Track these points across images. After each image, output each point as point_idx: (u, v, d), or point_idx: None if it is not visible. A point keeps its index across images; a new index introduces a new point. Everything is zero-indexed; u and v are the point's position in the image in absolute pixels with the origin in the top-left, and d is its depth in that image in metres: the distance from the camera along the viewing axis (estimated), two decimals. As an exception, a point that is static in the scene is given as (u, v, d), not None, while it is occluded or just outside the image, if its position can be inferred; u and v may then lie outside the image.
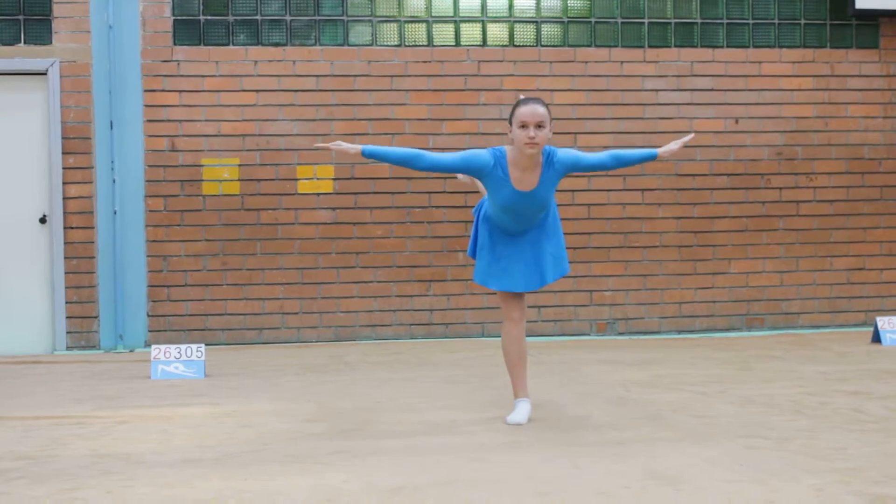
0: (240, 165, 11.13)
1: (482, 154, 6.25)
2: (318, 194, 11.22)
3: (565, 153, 6.31)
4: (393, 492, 4.78)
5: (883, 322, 10.55)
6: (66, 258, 10.87)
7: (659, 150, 6.47)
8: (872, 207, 11.96)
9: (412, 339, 11.29)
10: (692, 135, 7.00)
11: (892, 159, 11.97)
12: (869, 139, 11.94)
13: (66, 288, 10.87)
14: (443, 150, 11.25)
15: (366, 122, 11.25)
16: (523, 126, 6.13)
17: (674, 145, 6.54)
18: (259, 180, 11.14)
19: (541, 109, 6.16)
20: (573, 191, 11.40)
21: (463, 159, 6.25)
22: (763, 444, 5.77)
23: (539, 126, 6.13)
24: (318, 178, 11.20)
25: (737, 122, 11.75)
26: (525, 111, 6.14)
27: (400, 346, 10.77)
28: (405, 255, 11.33)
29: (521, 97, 6.32)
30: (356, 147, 6.17)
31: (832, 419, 6.45)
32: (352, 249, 11.26)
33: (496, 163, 6.23)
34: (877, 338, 10.48)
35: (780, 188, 11.82)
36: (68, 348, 10.88)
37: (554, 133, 11.39)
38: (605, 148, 11.47)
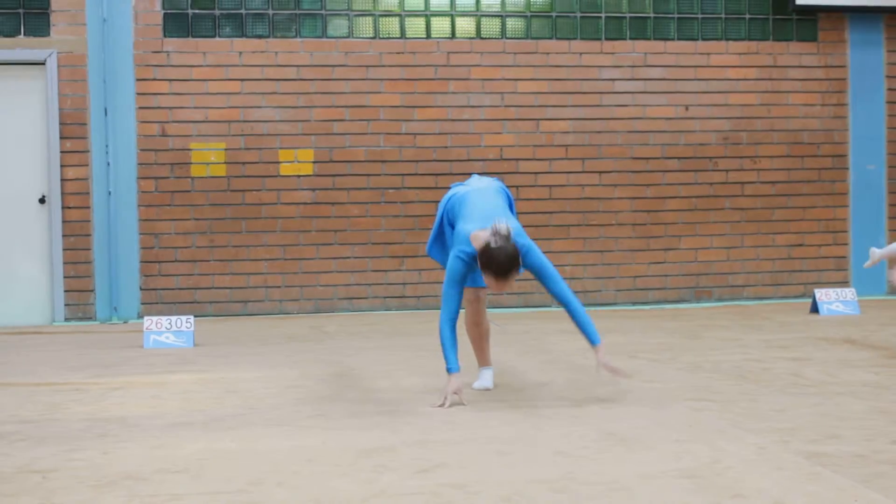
0: (226, 149, 11.09)
1: (458, 266, 5.89)
2: (299, 176, 11.19)
3: (536, 259, 5.93)
4: (368, 452, 4.79)
5: (821, 294, 10.62)
6: (64, 236, 10.82)
7: (598, 354, 5.94)
8: (811, 188, 12.02)
9: (387, 310, 11.29)
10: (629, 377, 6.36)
11: (829, 144, 12.02)
12: (808, 125, 11.99)
13: (65, 263, 10.82)
14: (414, 135, 11.27)
15: (343, 109, 11.22)
16: (491, 282, 5.78)
17: (612, 364, 5.98)
18: (244, 163, 11.11)
19: (510, 283, 5.83)
20: (535, 173, 11.41)
21: (457, 282, 5.94)
22: (709, 406, 5.80)
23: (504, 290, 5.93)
24: (298, 161, 11.17)
25: (686, 109, 11.77)
26: (491, 283, 5.78)
27: (375, 318, 10.77)
28: (380, 233, 11.32)
29: (495, 250, 5.69)
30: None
31: (773, 383, 6.49)
32: (330, 227, 11.24)
33: (470, 263, 5.87)
34: (815, 308, 10.55)
35: (727, 171, 11.86)
36: (66, 320, 10.83)
37: (517, 119, 11.42)
38: (566, 134, 11.50)
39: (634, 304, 11.59)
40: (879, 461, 4.49)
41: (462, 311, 6.17)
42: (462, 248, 5.89)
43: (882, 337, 8.65)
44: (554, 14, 11.58)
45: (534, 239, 11.74)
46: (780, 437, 4.96)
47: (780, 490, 4.05)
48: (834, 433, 5.04)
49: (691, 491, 4.06)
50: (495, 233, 5.71)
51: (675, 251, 11.79)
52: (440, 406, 5.84)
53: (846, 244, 12.01)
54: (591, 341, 5.96)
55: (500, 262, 5.67)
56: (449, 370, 5.94)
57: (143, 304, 10.97)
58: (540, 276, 5.98)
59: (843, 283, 11.90)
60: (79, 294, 10.87)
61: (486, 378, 6.54)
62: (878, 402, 5.79)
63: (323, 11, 11.24)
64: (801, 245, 12.02)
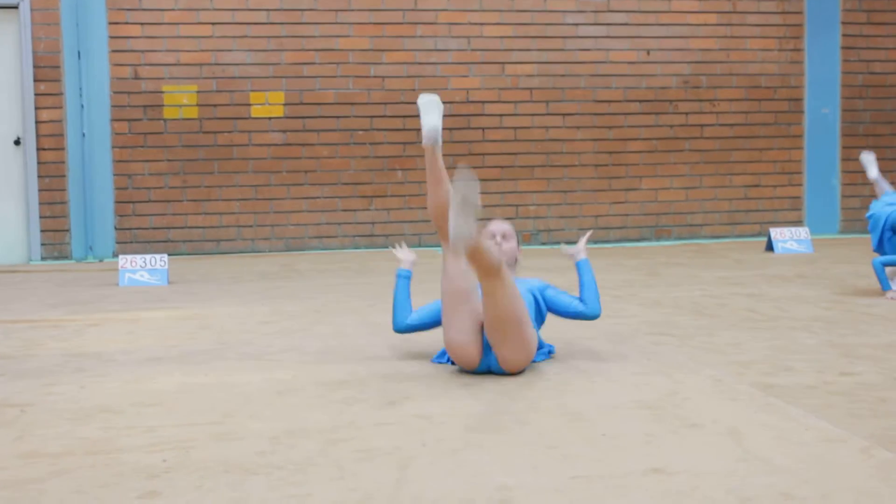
0: (198, 92, 10.99)
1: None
2: (270, 118, 11.12)
3: (550, 294, 5.34)
4: (338, 384, 4.80)
5: (776, 233, 10.68)
6: (39, 177, 10.73)
7: (575, 257, 5.43)
8: (768, 131, 12.05)
9: (356, 249, 11.28)
10: (590, 231, 6.22)
11: (785, 88, 12.04)
12: (766, 70, 12.00)
13: (40, 204, 10.74)
14: (382, 78, 11.20)
15: (313, 53, 11.13)
16: (489, 236, 5.24)
17: (580, 244, 5.50)
18: (215, 105, 11.02)
19: (505, 225, 5.34)
20: (501, 115, 11.38)
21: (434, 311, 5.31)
22: (668, 340, 5.84)
23: (505, 237, 5.28)
24: (269, 104, 11.09)
25: (648, 53, 11.75)
26: (492, 226, 5.29)
27: (345, 256, 10.76)
28: (349, 174, 11.28)
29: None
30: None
31: (729, 318, 6.54)
32: (301, 168, 11.19)
33: None
34: (770, 247, 10.62)
35: (687, 113, 11.87)
36: (43, 259, 10.77)
37: (483, 63, 11.37)
38: (530, 77, 11.47)
39: (597, 242, 11.63)
40: (829, 392, 4.55)
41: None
42: None
43: (834, 274, 8.72)
44: (519, -41, 11.50)
45: (499, 179, 11.80)
46: (735, 370, 5.01)
47: (735, 420, 4.09)
48: (787, 366, 5.09)
49: (650, 420, 4.10)
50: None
51: (635, 191, 11.81)
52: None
53: (801, 185, 12.08)
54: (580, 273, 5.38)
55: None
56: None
57: (117, 243, 10.91)
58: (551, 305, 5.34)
59: (798, 223, 11.97)
60: (55, 234, 10.80)
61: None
62: (829, 336, 5.85)
63: (292, -44, 11.11)
64: (757, 186, 12.07)
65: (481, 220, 4.69)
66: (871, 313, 6.61)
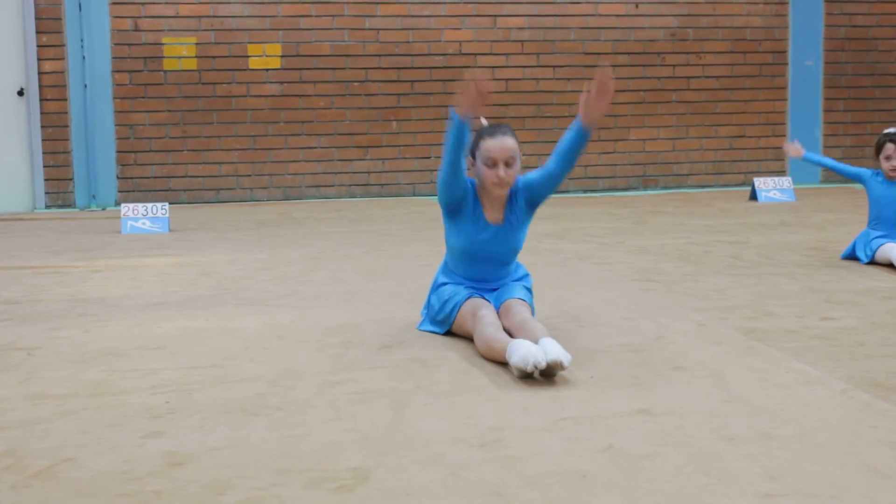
0: (196, 44, 10.92)
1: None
2: (267, 70, 11.05)
3: (524, 180, 4.65)
4: (335, 329, 4.82)
5: (759, 182, 10.68)
6: (42, 127, 10.68)
7: (581, 120, 4.54)
8: (752, 83, 12.01)
9: (352, 197, 11.27)
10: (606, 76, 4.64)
11: (770, 41, 11.99)
12: (751, 22, 11.94)
13: (44, 153, 10.70)
14: (377, 30, 11.14)
15: (309, 6, 11.04)
16: (491, 163, 4.49)
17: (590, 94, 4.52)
18: (214, 57, 10.95)
19: (510, 142, 4.49)
20: (493, 67, 11.32)
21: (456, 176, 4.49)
22: (655, 286, 5.86)
23: (508, 163, 4.50)
24: (267, 56, 11.02)
25: (636, 6, 11.68)
26: (493, 146, 4.47)
27: (341, 204, 10.75)
28: (345, 124, 11.24)
29: (485, 123, 4.62)
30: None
31: (714, 265, 6.56)
32: (298, 119, 11.15)
33: (470, 188, 4.62)
34: (754, 196, 10.62)
35: (674, 66, 11.82)
36: (47, 207, 10.75)
37: (475, 15, 11.29)
38: (521, 29, 11.40)
39: (585, 191, 11.62)
40: (810, 336, 4.57)
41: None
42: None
43: (815, 222, 8.74)
44: (511, -86, 11.39)
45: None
46: (719, 315, 5.03)
47: (718, 363, 4.11)
48: (769, 311, 5.11)
49: (637, 364, 4.12)
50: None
51: (624, 142, 11.79)
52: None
53: (784, 136, 12.05)
54: (580, 131, 4.56)
55: (492, 127, 4.56)
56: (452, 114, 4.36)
57: (119, 191, 10.89)
58: (532, 185, 4.65)
59: (781, 173, 11.96)
60: (58, 182, 10.76)
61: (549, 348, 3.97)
62: (809, 283, 5.87)
63: None
64: (742, 136, 12.05)
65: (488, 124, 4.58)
66: (851, 260, 6.62)
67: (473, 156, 4.59)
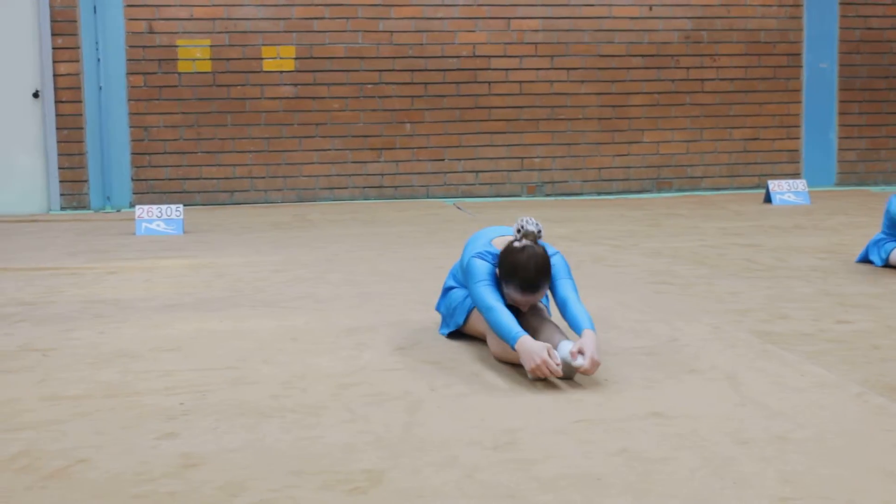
0: (211, 46, 10.94)
1: (484, 265, 4.31)
2: (281, 72, 11.07)
3: (561, 283, 4.31)
4: (349, 331, 4.82)
5: (773, 185, 10.65)
6: (57, 129, 10.71)
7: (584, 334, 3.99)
8: (767, 85, 11.98)
9: (365, 199, 11.27)
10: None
11: (784, 43, 11.95)
12: (765, 25, 11.91)
13: (59, 155, 10.73)
14: (391, 32, 11.14)
15: (323, 8, 11.05)
16: (514, 303, 4.30)
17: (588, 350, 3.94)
18: (228, 59, 10.97)
19: (538, 295, 4.26)
20: (507, 69, 11.32)
21: (488, 279, 4.28)
22: (669, 289, 5.85)
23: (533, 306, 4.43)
24: (280, 58, 11.04)
25: (650, 9, 11.66)
26: (520, 300, 4.25)
27: (355, 206, 10.76)
28: (359, 126, 11.25)
29: (520, 251, 4.20)
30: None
31: (728, 268, 6.54)
32: (312, 121, 11.16)
33: (493, 265, 4.33)
34: (768, 198, 10.59)
35: (688, 68, 11.80)
36: (62, 208, 10.78)
37: (489, 18, 11.29)
38: (535, 32, 11.39)
39: (599, 193, 11.60)
40: (824, 339, 4.56)
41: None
42: (481, 249, 4.41)
43: (830, 225, 8.71)
44: (525, -84, 11.38)
45: (505, 132, 11.80)
46: (733, 318, 5.01)
47: (733, 366, 4.10)
48: (783, 314, 5.09)
49: (651, 367, 4.11)
50: (520, 229, 4.28)
51: (638, 144, 11.77)
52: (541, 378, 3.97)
53: (798, 138, 12.01)
54: (575, 329, 4.12)
55: (526, 268, 4.17)
56: (513, 340, 4.02)
57: (134, 193, 10.91)
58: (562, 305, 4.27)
59: (795, 175, 11.93)
60: (73, 184, 10.80)
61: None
62: (824, 286, 5.85)
63: (303, -88, 11.01)
64: (756, 139, 12.02)
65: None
66: (865, 263, 6.60)
67: (503, 275, 4.25)
